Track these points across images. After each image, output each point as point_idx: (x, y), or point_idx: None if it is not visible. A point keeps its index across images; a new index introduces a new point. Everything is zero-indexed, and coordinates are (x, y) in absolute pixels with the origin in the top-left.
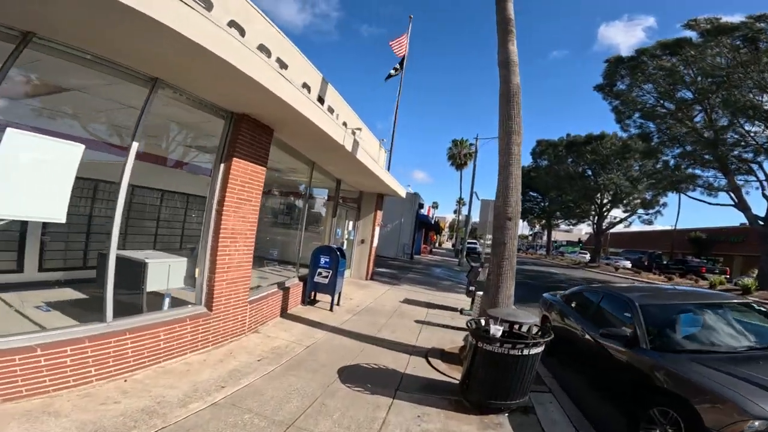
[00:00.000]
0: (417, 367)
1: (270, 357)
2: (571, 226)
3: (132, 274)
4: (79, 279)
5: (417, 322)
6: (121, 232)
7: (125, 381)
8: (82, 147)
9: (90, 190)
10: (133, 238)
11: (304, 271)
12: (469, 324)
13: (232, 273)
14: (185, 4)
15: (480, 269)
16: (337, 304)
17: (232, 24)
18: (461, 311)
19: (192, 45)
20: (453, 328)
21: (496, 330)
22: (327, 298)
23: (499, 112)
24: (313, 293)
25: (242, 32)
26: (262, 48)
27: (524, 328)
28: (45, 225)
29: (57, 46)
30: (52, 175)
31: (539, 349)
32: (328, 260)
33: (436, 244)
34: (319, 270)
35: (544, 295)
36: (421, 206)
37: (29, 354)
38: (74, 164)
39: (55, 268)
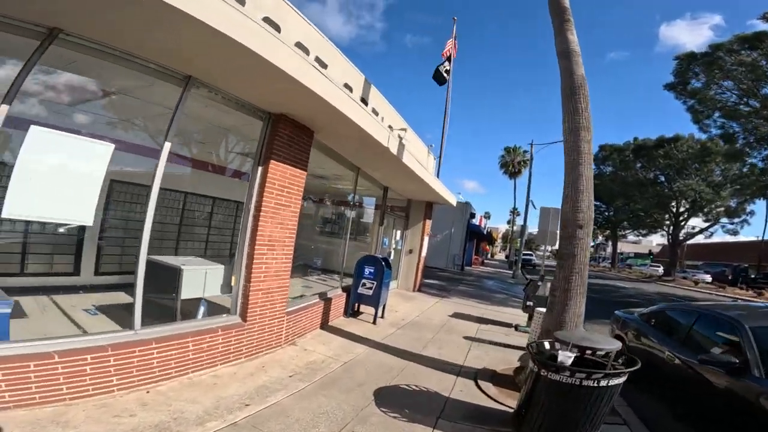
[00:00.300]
0: (464, 391)
1: (303, 373)
2: (639, 237)
3: (167, 280)
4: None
5: (466, 338)
6: (173, 238)
7: (147, 392)
8: (112, 147)
9: (145, 197)
10: (185, 244)
11: (349, 281)
12: (530, 347)
13: (268, 282)
14: None
15: (539, 283)
16: (381, 317)
17: (267, 21)
18: (516, 327)
19: (213, 32)
20: (507, 346)
21: (566, 357)
22: (371, 310)
23: (562, 109)
24: (356, 305)
25: (277, 29)
26: (299, 46)
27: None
28: (102, 230)
29: (84, 42)
30: (79, 176)
31: (620, 380)
32: (372, 271)
33: (489, 255)
34: (363, 281)
35: (617, 312)
36: (472, 216)
37: (46, 360)
38: (103, 165)
39: (111, 272)
